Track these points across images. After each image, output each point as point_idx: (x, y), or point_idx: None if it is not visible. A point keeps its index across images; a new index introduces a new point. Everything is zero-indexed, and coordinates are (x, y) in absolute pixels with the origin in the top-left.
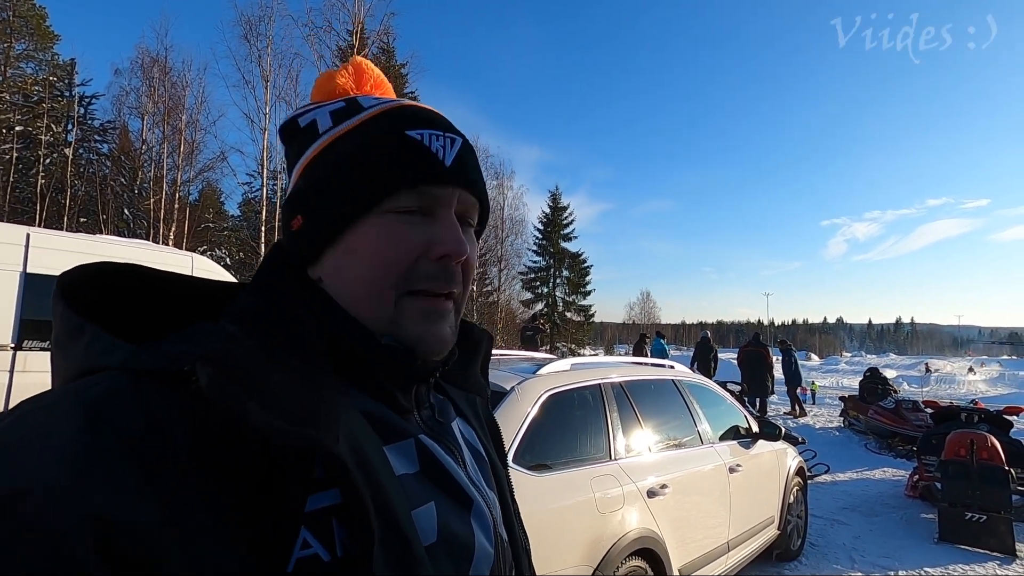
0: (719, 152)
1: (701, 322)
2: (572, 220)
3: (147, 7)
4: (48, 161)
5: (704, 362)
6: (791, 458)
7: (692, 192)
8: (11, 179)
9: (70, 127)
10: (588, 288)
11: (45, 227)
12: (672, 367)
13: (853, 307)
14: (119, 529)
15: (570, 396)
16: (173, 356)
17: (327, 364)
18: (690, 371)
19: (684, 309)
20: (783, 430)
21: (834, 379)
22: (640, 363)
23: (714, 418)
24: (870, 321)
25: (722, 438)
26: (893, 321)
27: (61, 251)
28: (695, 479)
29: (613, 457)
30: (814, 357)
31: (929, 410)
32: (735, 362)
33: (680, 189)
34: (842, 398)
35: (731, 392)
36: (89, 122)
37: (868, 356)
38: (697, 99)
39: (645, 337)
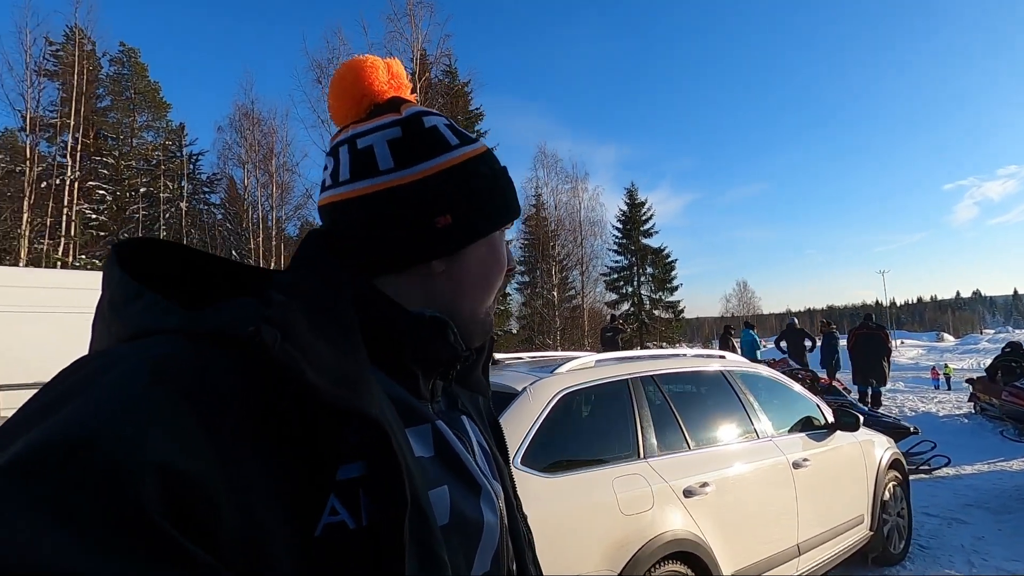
0: (814, 124)
1: (809, 309)
2: (652, 215)
3: (238, 67)
4: (168, 215)
5: (797, 350)
6: (882, 450)
7: (786, 171)
8: (139, 234)
9: (183, 183)
10: (675, 284)
11: None
12: (723, 356)
13: (992, 277)
14: (180, 477)
15: (590, 393)
16: (227, 321)
17: (361, 342)
18: (746, 360)
19: (788, 297)
20: (861, 419)
21: (973, 360)
22: (682, 355)
23: (777, 410)
24: (1015, 291)
25: (790, 431)
26: None
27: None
28: (746, 476)
29: (642, 455)
30: (947, 337)
31: None
32: (847, 347)
33: (772, 170)
34: (969, 381)
35: (796, 376)
36: (198, 176)
37: (1016, 332)
38: (783, 71)
39: (731, 329)
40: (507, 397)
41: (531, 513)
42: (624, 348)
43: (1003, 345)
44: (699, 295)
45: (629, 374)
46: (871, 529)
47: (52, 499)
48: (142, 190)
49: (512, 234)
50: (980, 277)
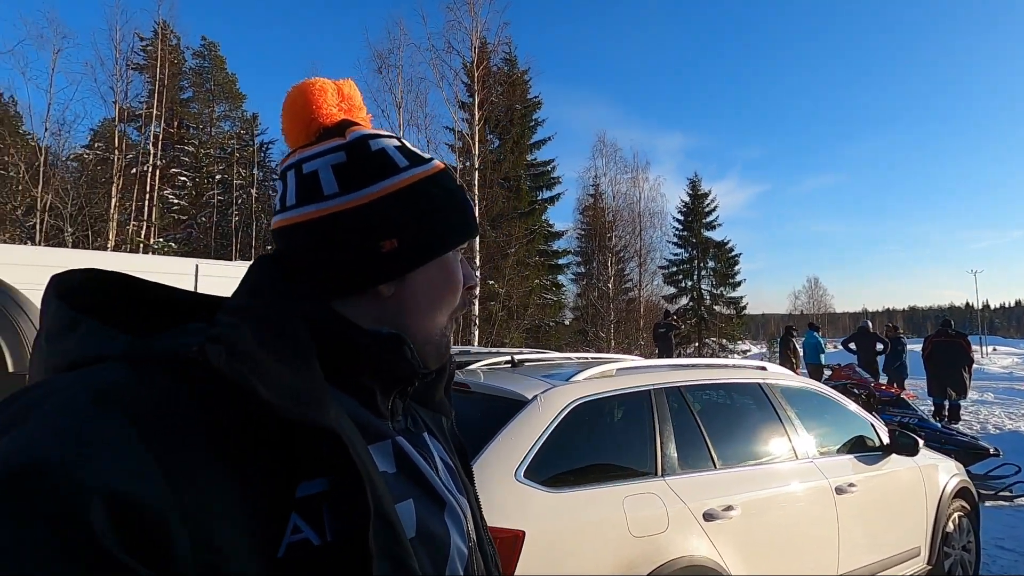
0: (900, 110)
1: (888, 309)
2: (715, 207)
3: (305, 57)
4: (240, 201)
5: (868, 355)
6: (947, 476)
7: (867, 160)
8: (214, 219)
9: (254, 170)
10: (737, 279)
11: (240, 258)
12: (764, 368)
13: None
14: (131, 504)
15: (607, 404)
16: (173, 345)
17: (315, 360)
18: (791, 373)
19: (864, 295)
20: (921, 442)
21: None
22: (716, 365)
23: (822, 428)
24: None
25: (837, 453)
26: None
27: (225, 277)
28: (779, 501)
29: (660, 473)
30: None
31: None
32: (921, 355)
33: (851, 159)
34: None
35: (850, 391)
36: (268, 164)
37: None
38: (866, 54)
39: (793, 330)
40: (516, 405)
41: (530, 529)
42: (679, 345)
43: None
44: (765, 291)
45: (652, 385)
46: (929, 563)
47: None
48: (218, 177)
49: (569, 224)
50: None
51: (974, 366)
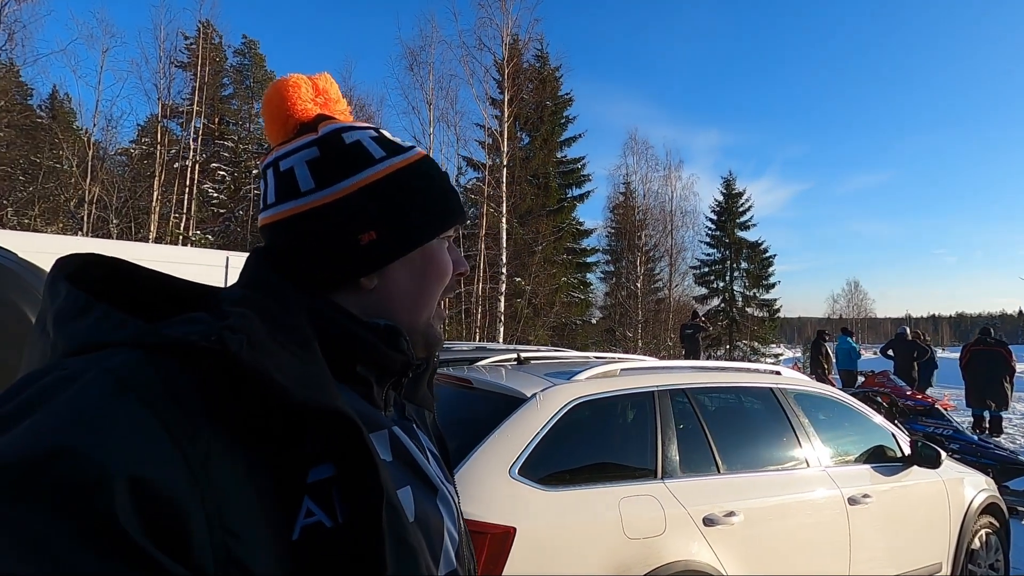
0: (953, 107)
1: (933, 315)
2: (749, 207)
3: (340, 54)
4: None
5: (905, 363)
6: (975, 490)
7: (915, 159)
8: (251, 213)
9: None
10: (771, 280)
11: None
12: (778, 373)
13: None
14: (153, 490)
15: (608, 404)
16: (184, 333)
17: (318, 352)
18: (806, 378)
19: (908, 300)
20: (943, 454)
21: None
22: (727, 368)
23: (838, 437)
24: None
25: (854, 462)
26: None
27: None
28: (785, 509)
29: (660, 476)
30: None
31: None
32: (959, 364)
33: (898, 157)
34: None
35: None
36: None
37: None
38: (916, 46)
39: (824, 335)
40: (514, 402)
41: (522, 525)
42: (708, 347)
43: None
44: (803, 293)
45: (656, 386)
46: None
47: (16, 518)
48: (255, 172)
49: (598, 222)
50: None
51: (1020, 377)
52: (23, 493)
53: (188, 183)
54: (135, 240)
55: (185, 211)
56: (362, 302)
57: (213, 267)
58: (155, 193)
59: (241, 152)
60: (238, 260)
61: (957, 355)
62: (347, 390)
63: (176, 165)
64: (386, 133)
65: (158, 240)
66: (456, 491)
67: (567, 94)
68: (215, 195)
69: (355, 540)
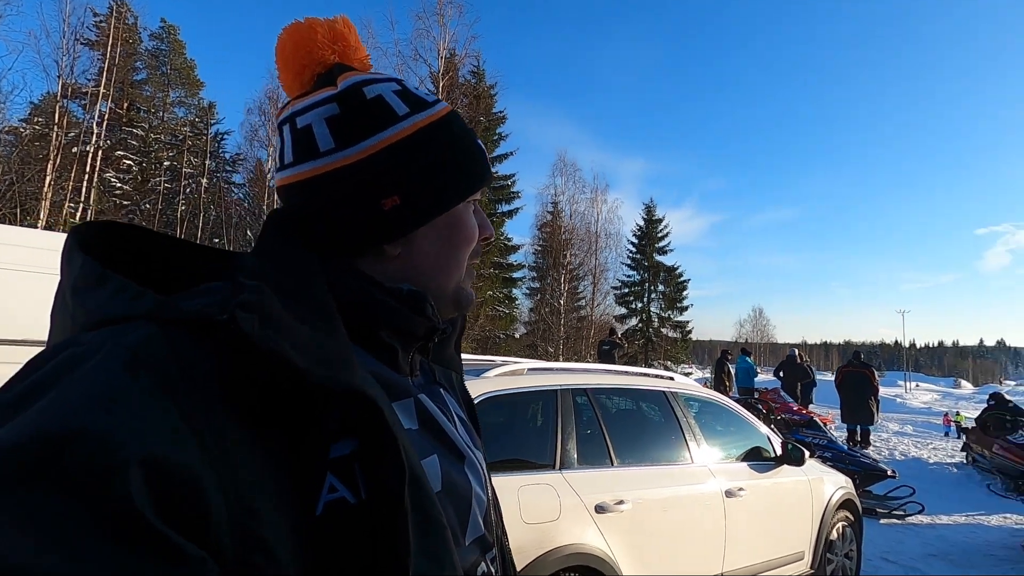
0: (854, 154)
1: (825, 342)
2: (668, 233)
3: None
4: (188, 190)
5: (791, 382)
6: (833, 487)
7: (820, 199)
8: (159, 207)
9: (206, 160)
10: (685, 303)
11: None
12: (671, 379)
13: (1020, 328)
14: (167, 469)
15: (513, 400)
16: (199, 307)
17: (339, 321)
18: (696, 385)
19: (805, 328)
20: (807, 453)
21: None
22: (625, 372)
23: (720, 437)
24: None
25: (733, 460)
26: None
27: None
28: (669, 499)
29: (558, 467)
30: (965, 384)
31: None
32: (835, 384)
33: (806, 196)
34: (963, 430)
35: (756, 409)
36: (222, 154)
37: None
38: (828, 98)
39: (727, 355)
40: None
41: None
42: (624, 364)
43: (988, 399)
44: (714, 317)
45: (560, 385)
46: (812, 567)
47: (30, 508)
48: (166, 163)
49: (526, 239)
50: (1006, 326)
51: (896, 399)
52: (37, 477)
53: (88, 170)
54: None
55: (83, 200)
56: (386, 269)
57: None
58: (48, 178)
59: (152, 142)
60: None
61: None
62: (371, 357)
63: (75, 150)
64: (408, 86)
65: (49, 229)
66: (484, 455)
67: (501, 112)
68: (119, 185)
69: (378, 517)
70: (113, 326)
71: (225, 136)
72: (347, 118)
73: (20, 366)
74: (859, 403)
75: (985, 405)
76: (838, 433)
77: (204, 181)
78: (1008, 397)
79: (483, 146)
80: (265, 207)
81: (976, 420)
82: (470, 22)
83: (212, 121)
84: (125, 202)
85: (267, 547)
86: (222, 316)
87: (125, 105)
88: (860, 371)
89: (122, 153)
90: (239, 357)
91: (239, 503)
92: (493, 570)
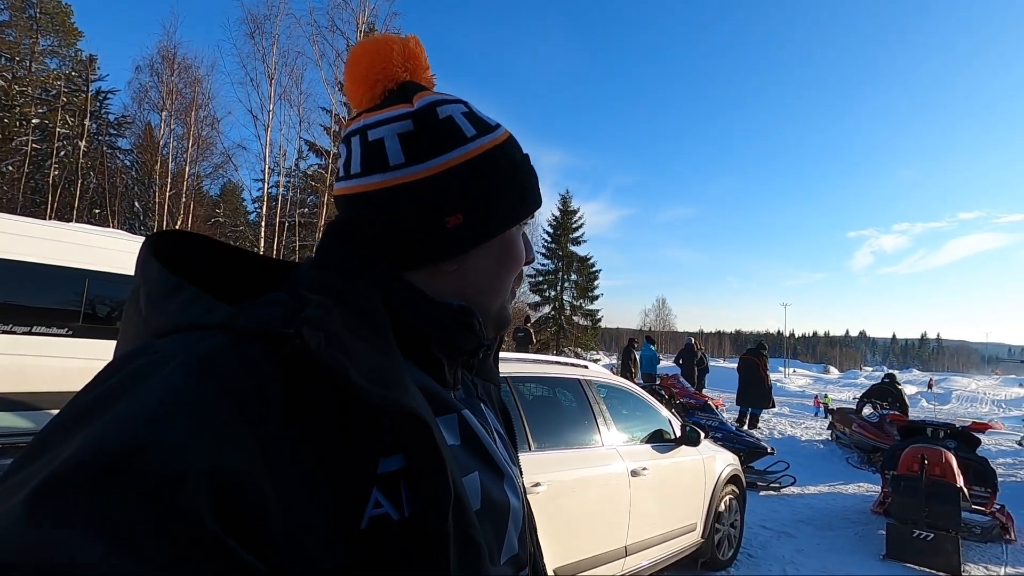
0: (751, 158)
1: (719, 332)
2: (582, 224)
3: (164, 5)
4: (63, 153)
5: (688, 369)
6: (723, 464)
7: (718, 199)
8: (26, 170)
9: (86, 120)
10: (596, 293)
11: (56, 218)
12: (586, 367)
13: (877, 321)
14: (230, 480)
15: None
16: (266, 319)
17: (393, 339)
18: (608, 372)
19: (703, 318)
20: (702, 434)
21: (850, 393)
22: (543, 360)
23: (628, 422)
24: (894, 335)
25: (638, 442)
26: (919, 336)
27: (21, 236)
28: (581, 480)
29: None
30: (833, 370)
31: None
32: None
33: (706, 196)
34: (829, 411)
35: (659, 394)
36: (105, 116)
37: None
38: (730, 108)
39: (634, 343)
40: None
41: None
42: (539, 351)
43: (882, 376)
44: (622, 306)
45: None
46: (703, 536)
47: (102, 514)
48: (35, 121)
49: None
50: (867, 319)
51: (777, 383)
52: (110, 485)
53: None
54: None
55: None
56: (439, 284)
57: None
58: None
59: (15, 95)
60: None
61: (735, 364)
62: (418, 369)
63: None
64: (474, 109)
65: None
66: (521, 471)
67: None
68: None
69: (420, 535)
70: (185, 333)
71: (109, 96)
72: (419, 135)
73: None
74: (749, 387)
75: (852, 388)
76: (729, 415)
77: (83, 144)
78: (899, 378)
79: (535, 170)
80: (157, 176)
81: (859, 397)
82: None
83: (93, 77)
84: None
85: (314, 560)
86: (288, 330)
87: None
88: (751, 359)
89: None
90: (302, 370)
91: (294, 515)
92: None
